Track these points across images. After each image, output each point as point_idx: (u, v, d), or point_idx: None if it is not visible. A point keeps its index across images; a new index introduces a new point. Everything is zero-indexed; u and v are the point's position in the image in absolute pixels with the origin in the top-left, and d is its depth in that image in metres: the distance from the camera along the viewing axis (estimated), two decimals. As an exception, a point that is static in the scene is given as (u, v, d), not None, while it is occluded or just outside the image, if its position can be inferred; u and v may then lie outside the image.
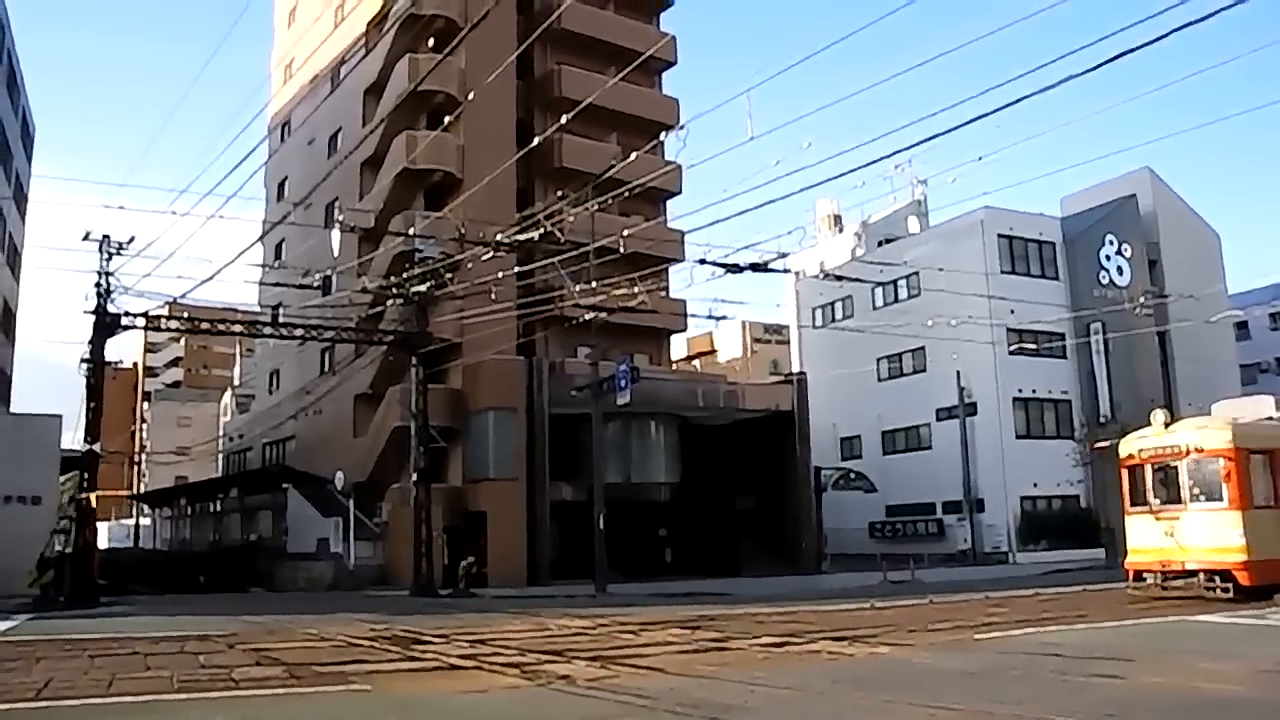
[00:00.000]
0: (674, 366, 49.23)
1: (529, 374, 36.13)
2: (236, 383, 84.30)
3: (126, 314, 28.20)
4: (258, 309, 43.66)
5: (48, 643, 15.23)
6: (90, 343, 27.80)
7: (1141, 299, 36.37)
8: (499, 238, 22.50)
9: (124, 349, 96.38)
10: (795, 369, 47.40)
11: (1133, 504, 20.28)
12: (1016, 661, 11.43)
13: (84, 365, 28.04)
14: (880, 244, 51.28)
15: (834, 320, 49.98)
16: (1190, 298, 37.78)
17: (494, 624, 18.20)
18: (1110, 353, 43.00)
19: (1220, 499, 18.52)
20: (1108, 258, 45.41)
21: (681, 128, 16.15)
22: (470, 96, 25.68)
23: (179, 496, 57.30)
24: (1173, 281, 44.44)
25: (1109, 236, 45.64)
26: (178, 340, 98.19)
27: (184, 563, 40.92)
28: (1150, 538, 19.54)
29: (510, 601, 25.92)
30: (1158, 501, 19.68)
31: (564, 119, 17.65)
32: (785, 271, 20.84)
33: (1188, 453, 19.17)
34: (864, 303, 47.22)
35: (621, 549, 32.70)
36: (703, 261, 19.22)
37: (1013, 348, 41.58)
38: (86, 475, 27.86)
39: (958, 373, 41.89)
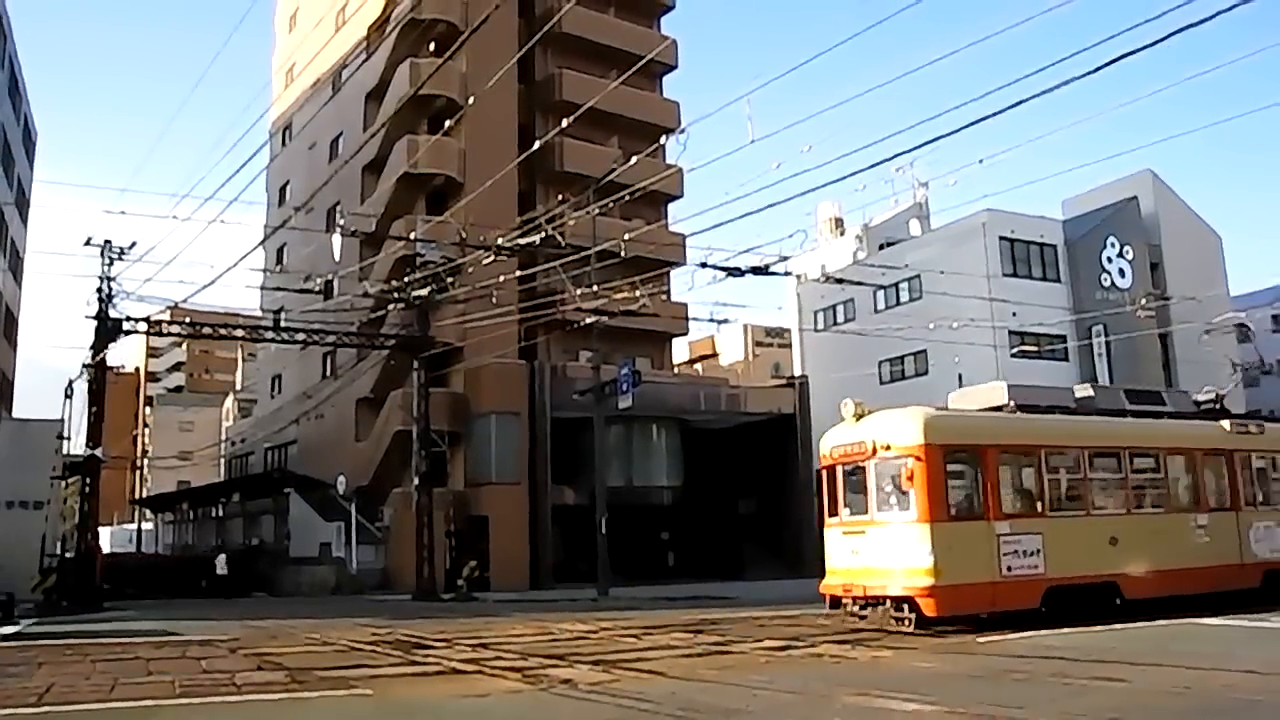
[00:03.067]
0: (676, 370, 49.22)
1: (531, 378, 36.13)
2: (238, 387, 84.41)
3: (128, 319, 28.24)
4: (260, 313, 43.67)
5: (50, 648, 15.25)
6: (92, 348, 27.84)
7: (1143, 301, 36.31)
8: (500, 241, 22.51)
9: (126, 354, 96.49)
10: (797, 372, 47.38)
11: (830, 514, 16.87)
12: (1018, 665, 11.41)
13: (86, 370, 28.09)
14: (882, 247, 51.20)
15: (836, 323, 49.91)
16: (1192, 300, 37.74)
17: (496, 628, 18.19)
18: (1112, 355, 42.94)
19: (907, 509, 15.13)
20: (1109, 260, 45.36)
21: (682, 131, 16.17)
22: (471, 101, 25.65)
23: (181, 501, 57.31)
24: (1175, 284, 44.39)
25: (1111, 239, 45.59)
26: (180, 345, 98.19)
27: (186, 567, 40.88)
28: (841, 556, 16.30)
29: (512, 605, 25.91)
30: (848, 512, 16.28)
31: (565, 123, 17.67)
32: (787, 275, 20.87)
33: (874, 451, 15.65)
34: (866, 306, 47.15)
35: (624, 553, 32.69)
36: (704, 265, 19.26)
37: (1015, 350, 41.49)
38: (89, 480, 27.90)
39: (960, 376, 41.69)
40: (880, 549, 15.45)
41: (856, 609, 15.82)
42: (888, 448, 15.49)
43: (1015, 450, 16.36)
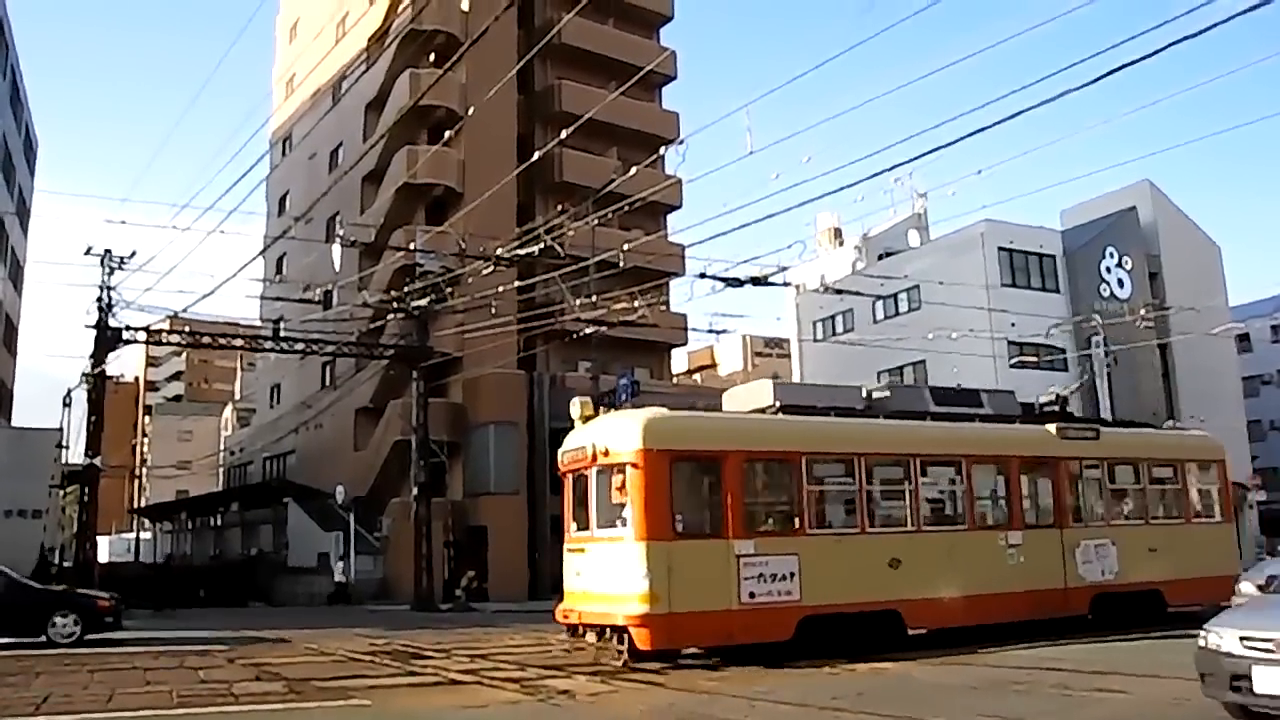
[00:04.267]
0: (675, 380, 49.26)
1: (530, 388, 36.11)
2: (237, 397, 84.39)
3: (128, 328, 28.24)
4: (259, 323, 43.70)
5: (47, 657, 15.21)
6: (92, 357, 27.83)
7: (1142, 312, 36.30)
8: (499, 252, 22.52)
9: (125, 363, 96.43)
10: (796, 382, 47.34)
11: (567, 528, 14.73)
12: (1019, 676, 11.39)
13: (85, 379, 28.11)
14: (880, 257, 51.24)
15: (834, 334, 49.92)
16: (1191, 310, 37.73)
17: (494, 638, 18.17)
18: (1111, 366, 42.96)
19: (624, 524, 13.04)
20: (1108, 270, 45.38)
21: (681, 142, 16.18)
22: (471, 111, 25.72)
23: (179, 510, 57.24)
24: (1174, 294, 44.39)
25: (1109, 249, 45.61)
26: (179, 354, 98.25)
27: (184, 577, 40.81)
28: (569, 576, 14.25)
29: (511, 616, 25.87)
30: (575, 527, 14.32)
31: (564, 133, 17.69)
32: (786, 285, 20.87)
33: (594, 459, 13.56)
34: (864, 316, 47.16)
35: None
36: (703, 275, 19.23)
37: (1014, 361, 41.46)
38: (87, 489, 27.89)
39: (958, 386, 41.78)
40: (599, 570, 13.38)
41: (593, 638, 13.41)
42: (606, 454, 13.38)
43: (766, 457, 14.22)
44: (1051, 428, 16.92)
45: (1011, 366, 41.51)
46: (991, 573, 15.32)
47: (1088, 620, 16.06)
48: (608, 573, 13.18)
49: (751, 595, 13.08)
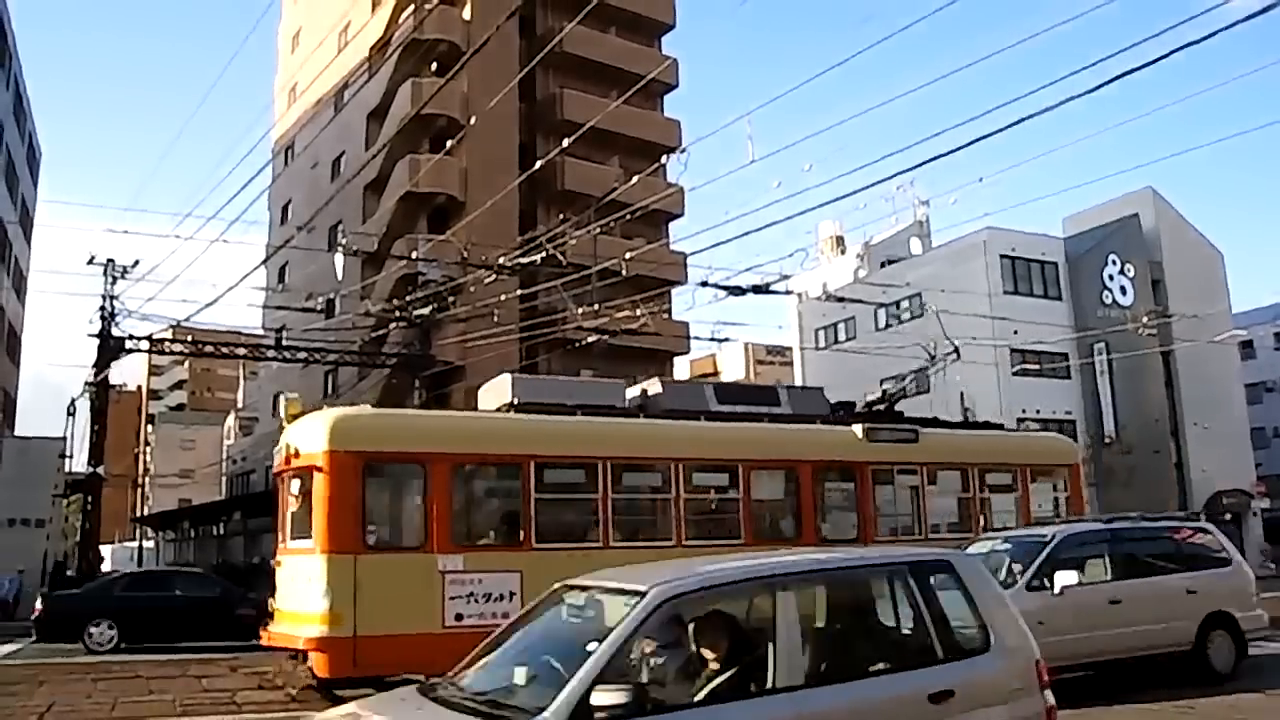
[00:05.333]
0: (677, 388, 49.15)
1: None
2: (240, 405, 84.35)
3: (131, 337, 28.28)
4: (261, 332, 43.73)
5: (51, 666, 15.21)
6: (95, 366, 27.87)
7: (1145, 319, 36.27)
8: (502, 261, 22.56)
9: (128, 372, 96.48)
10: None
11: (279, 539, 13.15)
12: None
13: (88, 388, 28.15)
14: (882, 265, 51.26)
15: (836, 341, 49.89)
16: (1194, 317, 37.70)
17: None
18: (1114, 373, 42.91)
19: (309, 535, 11.68)
20: (1111, 277, 45.36)
21: (683, 150, 16.20)
22: (473, 120, 25.74)
23: (182, 519, 57.16)
24: (1176, 301, 44.38)
25: (1112, 256, 45.60)
26: (182, 363, 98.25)
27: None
28: (274, 592, 12.78)
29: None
30: (280, 537, 12.84)
31: (566, 142, 17.76)
32: (787, 293, 20.87)
33: (288, 461, 12.26)
34: (867, 324, 47.18)
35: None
36: (705, 284, 19.25)
37: (1016, 368, 41.45)
38: (90, 498, 27.89)
39: (961, 394, 41.77)
40: (290, 586, 11.91)
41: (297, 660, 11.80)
42: (297, 455, 12.04)
43: (485, 461, 12.77)
44: (858, 429, 15.19)
45: (1014, 374, 41.51)
46: None
47: None
48: (296, 589, 11.60)
49: (459, 617, 11.50)
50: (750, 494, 13.92)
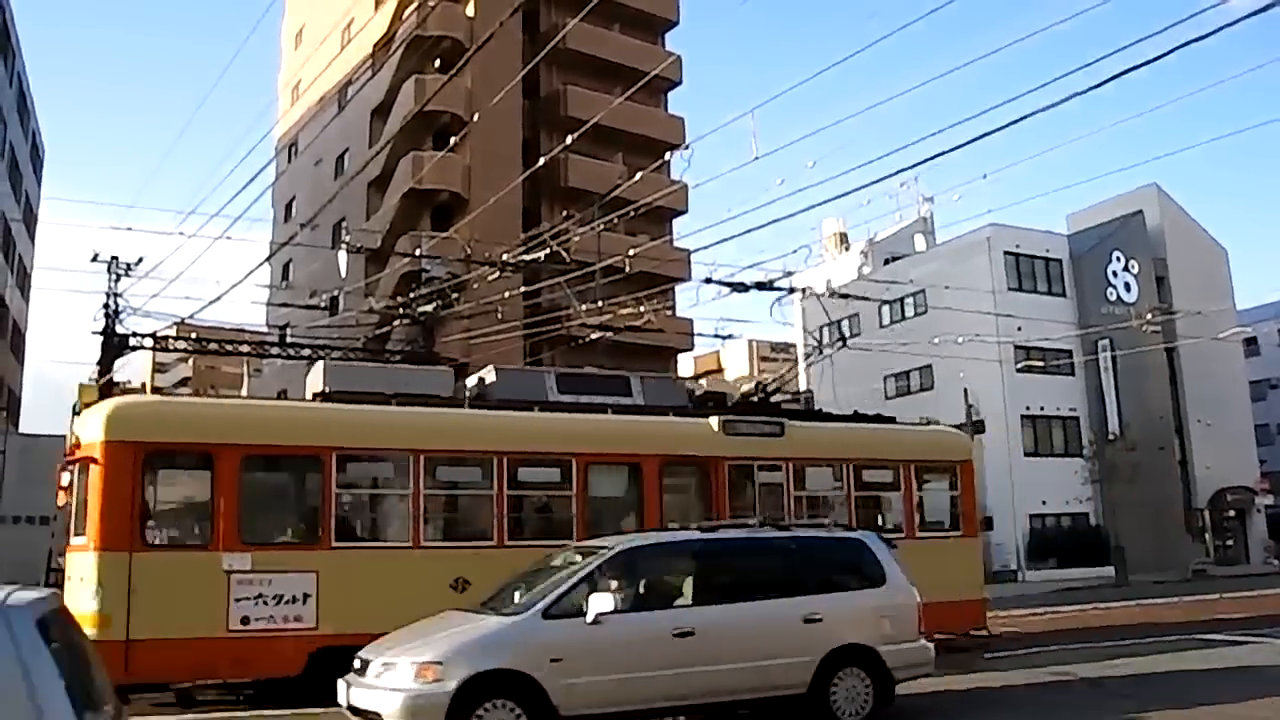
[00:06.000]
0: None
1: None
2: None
3: (135, 335, 28.24)
4: (265, 329, 43.78)
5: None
6: (99, 363, 27.86)
7: (1149, 316, 36.24)
8: (505, 258, 22.54)
9: (132, 369, 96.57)
10: (802, 388, 47.28)
11: None
12: (1024, 680, 11.36)
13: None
14: (886, 262, 51.26)
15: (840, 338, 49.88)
16: (1198, 314, 37.66)
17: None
18: (1118, 370, 42.88)
19: (83, 531, 10.87)
20: (1115, 274, 45.32)
21: (687, 147, 16.20)
22: (476, 117, 25.77)
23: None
24: (1180, 298, 44.34)
25: (1116, 253, 45.56)
26: (186, 361, 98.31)
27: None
28: None
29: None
30: (66, 532, 12.06)
31: (570, 139, 17.73)
32: (791, 290, 20.83)
33: (71, 452, 11.66)
34: (870, 321, 47.15)
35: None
36: (709, 280, 19.24)
37: (1020, 365, 41.45)
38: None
39: (965, 390, 41.72)
40: (72, 585, 10.95)
41: None
42: (78, 446, 11.34)
43: (280, 453, 11.97)
44: (714, 421, 14.11)
45: (1018, 371, 41.49)
46: None
47: None
48: (74, 589, 10.69)
49: (245, 621, 10.74)
50: (586, 490, 12.95)
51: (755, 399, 16.40)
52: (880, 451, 15.55)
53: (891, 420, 17.05)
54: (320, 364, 14.01)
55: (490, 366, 15.06)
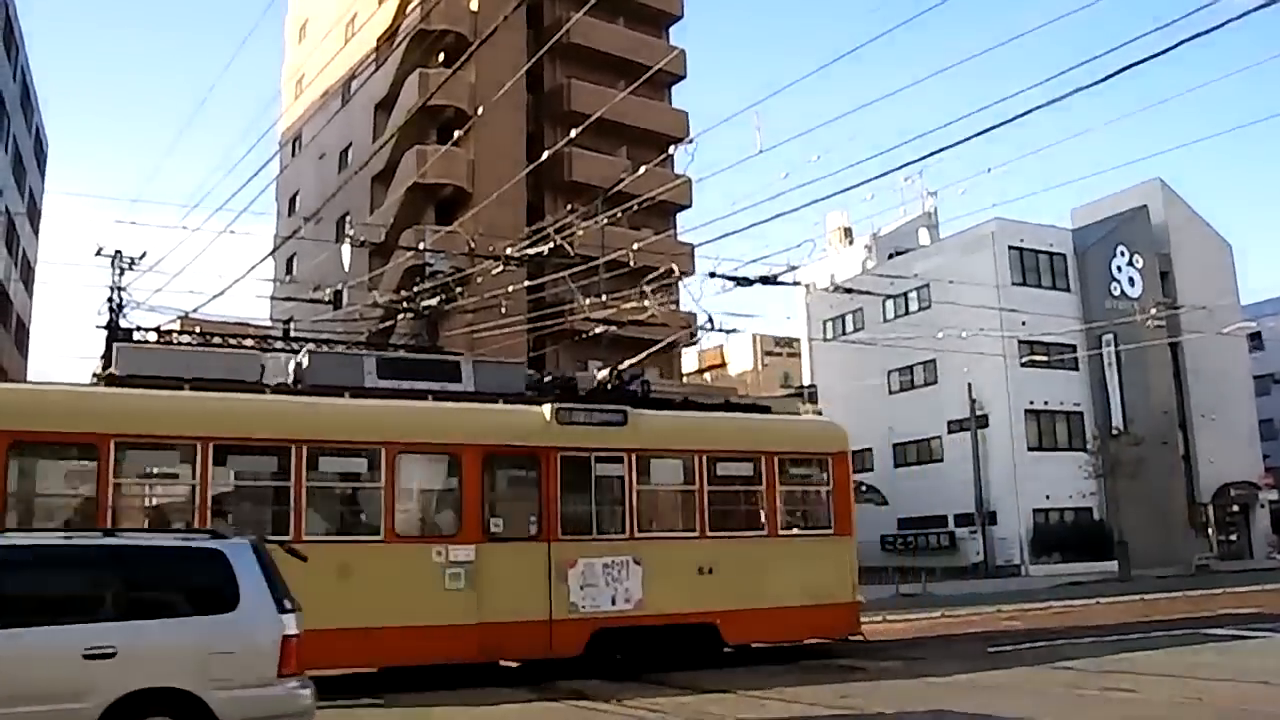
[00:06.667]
0: (685, 380, 49.19)
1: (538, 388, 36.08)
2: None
3: (139, 329, 28.18)
4: (269, 323, 43.83)
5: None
6: (103, 357, 27.90)
7: (1153, 311, 36.19)
8: (509, 252, 22.53)
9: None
10: (806, 382, 47.33)
11: None
12: (1028, 675, 11.38)
13: (96, 380, 28.17)
14: (891, 256, 51.17)
15: (845, 333, 49.89)
16: (1203, 309, 37.61)
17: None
18: (1122, 364, 42.83)
19: None
20: (1119, 269, 45.27)
21: (691, 141, 16.20)
22: (480, 111, 25.63)
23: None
24: (1185, 293, 44.26)
25: (1120, 248, 45.50)
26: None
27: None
28: None
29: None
30: None
31: (574, 133, 17.70)
32: (795, 284, 20.80)
33: None
34: (875, 315, 47.13)
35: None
36: (713, 274, 19.19)
37: (1024, 360, 41.42)
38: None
39: (969, 385, 41.75)
40: None
41: None
42: None
43: (47, 440, 11.16)
44: (546, 409, 13.09)
45: (1022, 365, 41.47)
46: (420, 600, 11.74)
47: (579, 661, 12.40)
48: None
49: None
50: (396, 483, 12.05)
51: (610, 385, 15.39)
52: (739, 443, 14.41)
53: (766, 410, 16.04)
54: (117, 345, 13.08)
55: (306, 348, 14.30)
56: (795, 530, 14.51)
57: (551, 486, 12.73)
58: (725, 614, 13.25)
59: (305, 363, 13.32)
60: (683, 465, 13.82)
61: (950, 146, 11.16)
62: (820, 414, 17.00)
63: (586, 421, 13.24)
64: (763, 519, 14.08)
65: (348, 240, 31.56)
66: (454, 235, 29.80)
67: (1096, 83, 9.66)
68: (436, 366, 13.99)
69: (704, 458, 13.75)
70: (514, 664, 12.65)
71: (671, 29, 47.34)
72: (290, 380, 13.15)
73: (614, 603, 12.68)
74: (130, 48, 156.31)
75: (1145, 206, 47.32)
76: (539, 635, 12.23)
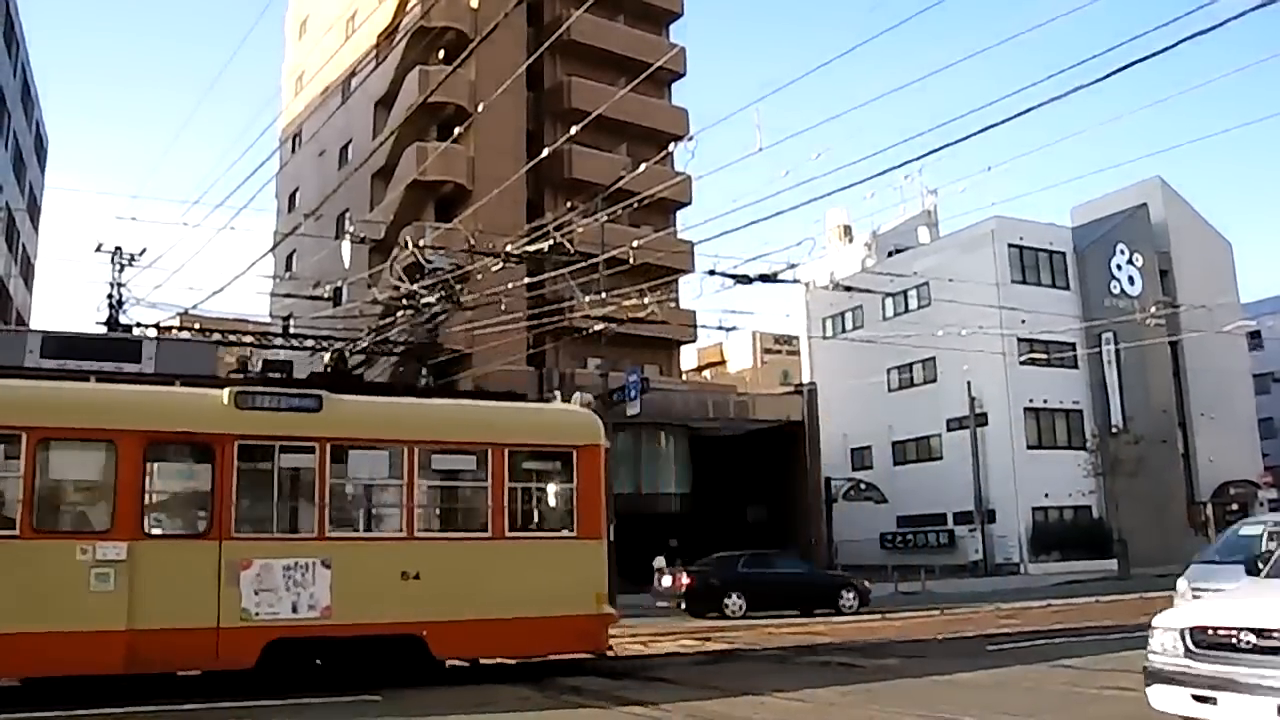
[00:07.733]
0: (684, 377, 49.19)
1: (539, 385, 36.11)
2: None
3: (138, 325, 28.31)
4: (269, 320, 43.83)
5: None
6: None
7: (1153, 309, 36.22)
8: (509, 249, 22.54)
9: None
10: (805, 379, 47.32)
11: None
12: (1027, 674, 11.39)
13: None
14: (890, 254, 51.21)
15: (844, 331, 49.91)
16: (1202, 308, 37.64)
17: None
18: (1122, 363, 42.87)
19: None
20: (1119, 267, 45.30)
21: (691, 139, 16.18)
22: (480, 108, 25.71)
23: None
24: (1184, 291, 44.31)
25: (1120, 246, 45.53)
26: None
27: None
28: None
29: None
30: None
31: (574, 130, 17.73)
32: (795, 282, 20.80)
33: None
34: (874, 313, 47.15)
35: (632, 560, 32.61)
36: (713, 272, 19.20)
37: (1023, 358, 41.46)
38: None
39: (968, 383, 41.78)
40: None
41: None
42: None
43: None
44: (225, 393, 11.70)
45: (1021, 363, 41.50)
46: (60, 602, 10.39)
47: (251, 674, 10.96)
48: None
49: None
50: (37, 473, 10.63)
51: (328, 369, 13.43)
52: (461, 433, 12.81)
53: (521, 398, 14.88)
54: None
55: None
56: (528, 533, 12.95)
57: (226, 478, 11.24)
58: (433, 625, 11.63)
59: None
60: (389, 457, 12.29)
61: (950, 145, 11.16)
62: (590, 405, 14.98)
63: (272, 406, 11.76)
64: (487, 519, 12.38)
65: (348, 237, 31.51)
66: (454, 232, 29.78)
67: (1096, 81, 9.67)
68: (114, 345, 12.89)
69: (415, 449, 12.15)
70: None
71: (671, 26, 47.32)
72: None
73: (295, 610, 11.15)
74: (131, 45, 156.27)
75: (1145, 205, 47.36)
76: (203, 644, 10.81)
